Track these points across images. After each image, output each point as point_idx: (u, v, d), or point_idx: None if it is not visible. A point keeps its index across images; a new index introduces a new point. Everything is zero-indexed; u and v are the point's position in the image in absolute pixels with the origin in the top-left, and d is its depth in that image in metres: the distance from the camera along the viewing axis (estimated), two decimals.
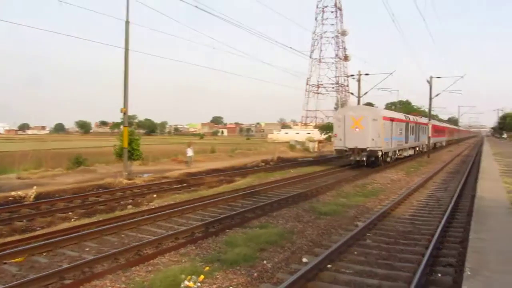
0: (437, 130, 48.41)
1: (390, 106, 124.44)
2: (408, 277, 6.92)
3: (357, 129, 24.16)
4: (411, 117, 34.21)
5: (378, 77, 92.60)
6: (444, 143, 54.26)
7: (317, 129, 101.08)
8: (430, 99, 40.85)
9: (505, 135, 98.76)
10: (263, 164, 30.47)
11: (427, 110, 48.83)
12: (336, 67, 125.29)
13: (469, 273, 4.72)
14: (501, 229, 6.91)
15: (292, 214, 12.15)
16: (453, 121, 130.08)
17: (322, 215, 12.09)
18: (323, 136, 79.93)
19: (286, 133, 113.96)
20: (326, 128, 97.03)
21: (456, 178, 21.54)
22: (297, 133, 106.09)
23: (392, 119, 26.47)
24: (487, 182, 13.61)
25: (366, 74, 37.53)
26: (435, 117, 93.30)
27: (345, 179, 19.90)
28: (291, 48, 27.43)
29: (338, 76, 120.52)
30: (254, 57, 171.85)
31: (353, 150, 24.24)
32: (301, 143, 56.76)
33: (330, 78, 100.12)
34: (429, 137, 38.66)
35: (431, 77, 39.55)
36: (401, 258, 8.07)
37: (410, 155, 33.05)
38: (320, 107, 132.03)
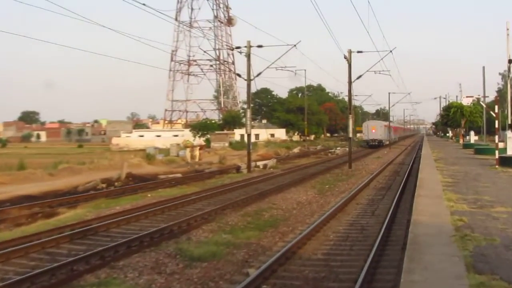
0: (396, 130, 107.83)
1: (295, 92, 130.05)
2: None
3: (373, 131, 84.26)
4: (390, 123, 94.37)
5: (278, 51, 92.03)
6: (397, 139, 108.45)
7: (188, 129, 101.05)
8: (350, 82, 43.47)
9: (450, 134, 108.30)
10: (104, 185, 29.84)
11: (346, 98, 52.65)
12: (216, 35, 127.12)
13: None
14: (439, 267, 7.59)
15: (149, 262, 12.10)
16: (383, 114, 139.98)
17: (196, 261, 12.19)
18: (199, 140, 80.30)
19: (141, 136, 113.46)
20: (204, 127, 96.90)
21: (388, 196, 23.19)
22: (158, 135, 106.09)
23: (385, 126, 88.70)
24: (426, 200, 14.89)
25: (259, 46, 38.96)
26: (358, 109, 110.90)
27: (231, 204, 20.32)
28: (144, 4, 26.99)
29: (219, 49, 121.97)
30: (87, 19, 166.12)
31: (372, 140, 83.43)
32: (164, 151, 56.61)
33: (205, 52, 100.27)
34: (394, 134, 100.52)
35: (349, 52, 42.06)
36: None
37: (389, 144, 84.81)
38: (193, 95, 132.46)
